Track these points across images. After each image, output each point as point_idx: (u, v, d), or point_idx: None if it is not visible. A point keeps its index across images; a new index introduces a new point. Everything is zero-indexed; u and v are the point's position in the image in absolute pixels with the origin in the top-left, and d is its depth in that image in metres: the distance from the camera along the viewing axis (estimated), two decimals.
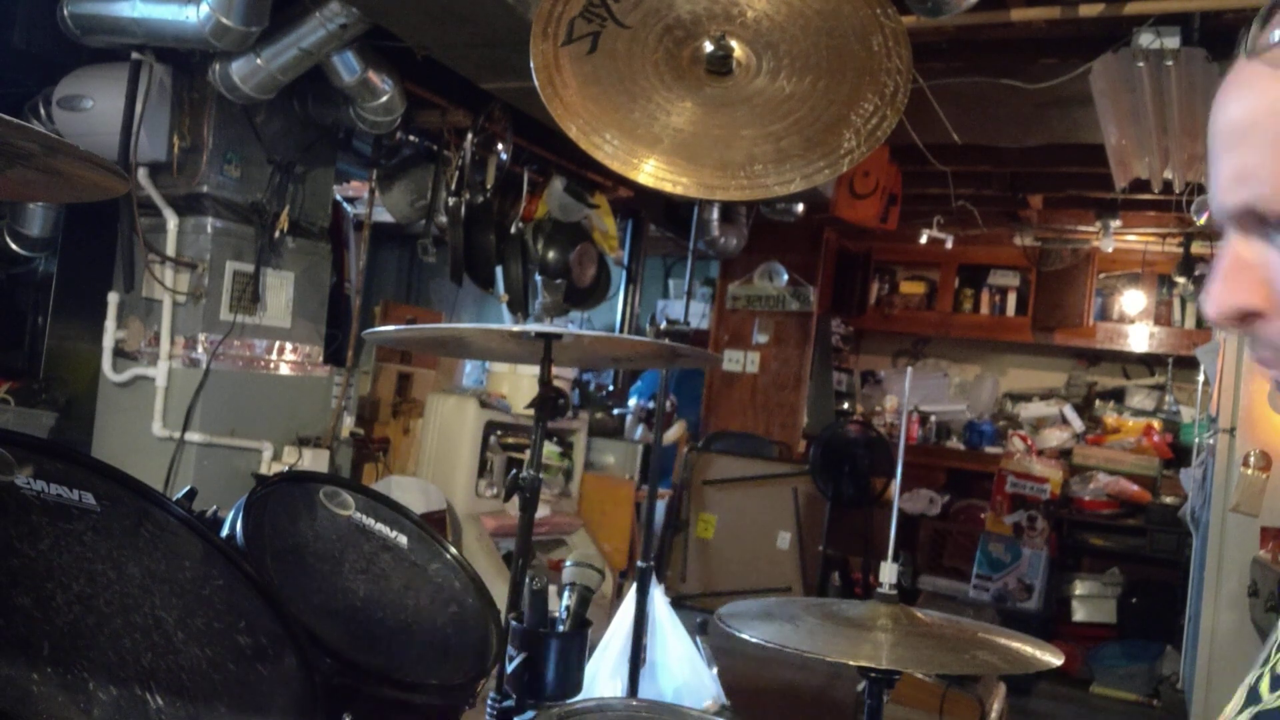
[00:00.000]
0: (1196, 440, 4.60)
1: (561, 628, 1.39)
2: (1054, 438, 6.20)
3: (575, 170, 4.66)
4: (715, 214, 5.20)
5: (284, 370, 3.71)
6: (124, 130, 3.15)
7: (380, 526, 1.54)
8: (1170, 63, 2.99)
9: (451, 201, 4.09)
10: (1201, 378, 4.79)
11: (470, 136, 3.98)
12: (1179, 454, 5.74)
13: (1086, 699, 4.89)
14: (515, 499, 1.51)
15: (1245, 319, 0.60)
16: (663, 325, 2.35)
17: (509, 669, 1.37)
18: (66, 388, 3.71)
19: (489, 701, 1.44)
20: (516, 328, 1.48)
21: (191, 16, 2.84)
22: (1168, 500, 5.50)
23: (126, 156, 3.16)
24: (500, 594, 1.55)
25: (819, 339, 6.36)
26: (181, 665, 1.02)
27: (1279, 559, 3.17)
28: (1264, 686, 0.65)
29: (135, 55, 3.16)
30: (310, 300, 3.80)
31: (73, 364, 3.73)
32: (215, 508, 1.32)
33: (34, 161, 0.88)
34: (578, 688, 1.40)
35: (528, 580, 1.38)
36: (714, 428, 6.18)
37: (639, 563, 2.39)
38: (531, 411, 1.56)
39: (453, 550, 1.60)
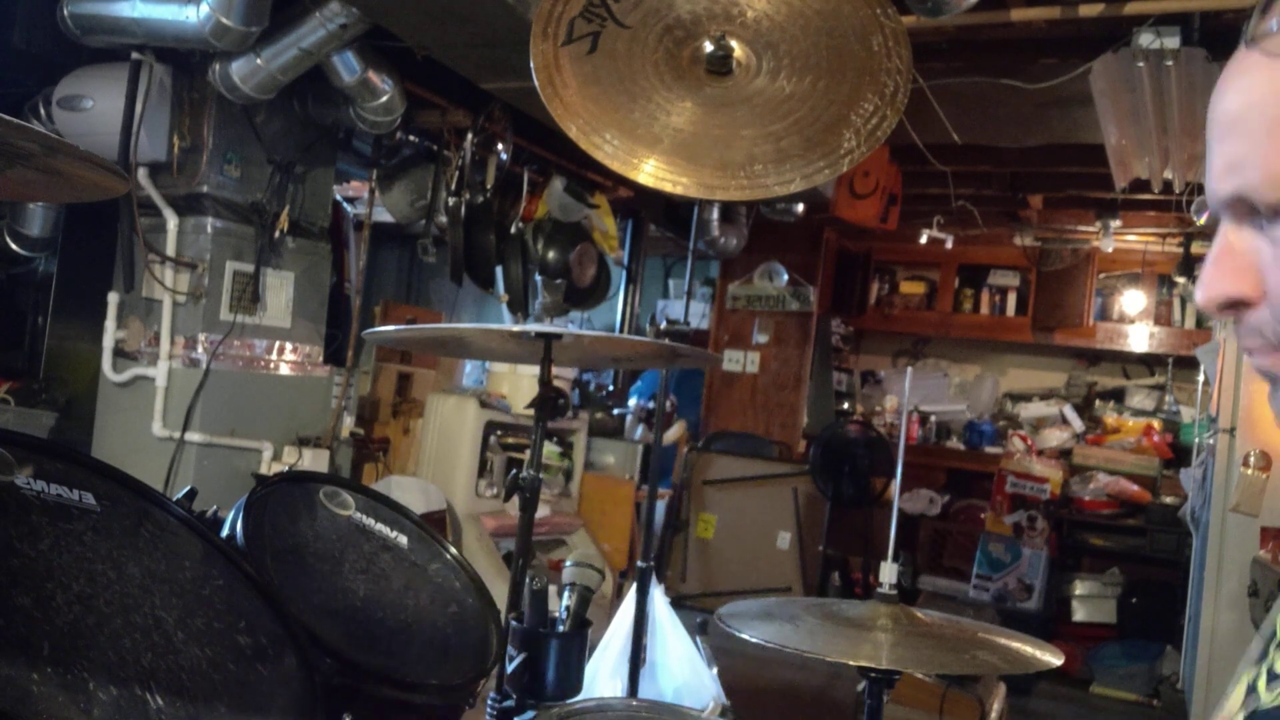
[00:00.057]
0: (1196, 440, 4.60)
1: (561, 628, 1.39)
2: (1054, 438, 6.20)
3: (575, 170, 4.66)
4: (715, 214, 5.20)
5: (284, 370, 3.71)
6: (124, 130, 3.15)
7: (380, 526, 1.54)
8: (1170, 63, 2.99)
9: (451, 201, 4.09)
10: (1201, 378, 4.79)
11: (470, 136, 3.98)
12: (1179, 454, 5.74)
13: (1086, 699, 4.89)
14: (515, 499, 1.51)
15: (1234, 306, 0.60)
16: (663, 325, 2.35)
17: (509, 669, 1.37)
18: (66, 388, 3.71)
19: (489, 701, 1.44)
20: (516, 328, 1.48)
21: (191, 16, 2.84)
22: (1168, 500, 5.50)
23: (126, 156, 3.16)
24: (500, 594, 1.55)
25: (819, 339, 6.36)
26: (181, 665, 1.02)
27: (1279, 559, 3.17)
28: (1261, 684, 0.65)
29: (135, 55, 3.16)
30: (310, 300, 3.80)
31: (73, 364, 3.73)
32: (215, 508, 1.32)
33: (34, 161, 0.88)
34: (578, 688, 1.40)
35: (528, 580, 1.38)
36: (714, 428, 6.18)
37: (639, 563, 2.39)
38: (531, 411, 1.56)
39: (453, 550, 1.60)
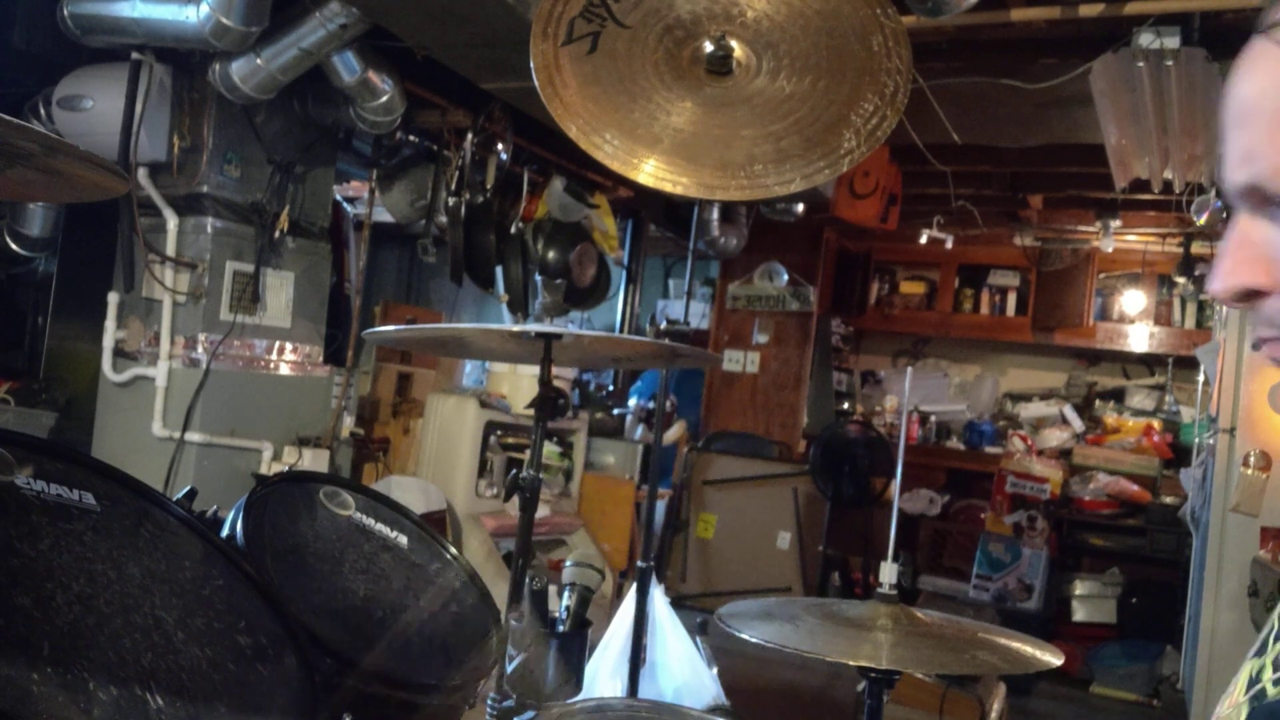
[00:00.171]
0: (1196, 440, 4.60)
1: (561, 628, 1.39)
2: (1054, 438, 6.20)
3: (575, 170, 4.66)
4: (715, 214, 5.20)
5: (284, 370, 3.71)
6: (124, 130, 3.15)
7: (380, 526, 1.54)
8: (1170, 63, 2.99)
9: (451, 201, 4.09)
10: (1201, 378, 4.79)
11: (470, 136, 3.98)
12: (1179, 454, 5.74)
13: (1086, 699, 4.89)
14: (515, 499, 1.51)
15: (1248, 296, 0.60)
16: (663, 325, 2.35)
17: (509, 669, 1.37)
18: (66, 388, 3.71)
19: (489, 701, 1.44)
20: (516, 328, 1.48)
21: (191, 16, 2.84)
22: (1168, 500, 5.50)
23: (126, 156, 3.16)
24: (500, 594, 1.55)
25: (819, 339, 6.36)
26: (181, 665, 1.02)
27: (1279, 559, 3.17)
28: (1266, 677, 0.65)
29: (135, 55, 3.16)
30: (310, 300, 3.80)
31: (73, 364, 3.73)
32: (215, 508, 1.32)
33: (34, 161, 0.88)
34: (578, 688, 1.40)
35: (528, 580, 1.38)
36: (714, 428, 6.18)
37: (639, 563, 2.38)
38: (531, 411, 1.55)
39: (453, 550, 1.60)
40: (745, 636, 1.34)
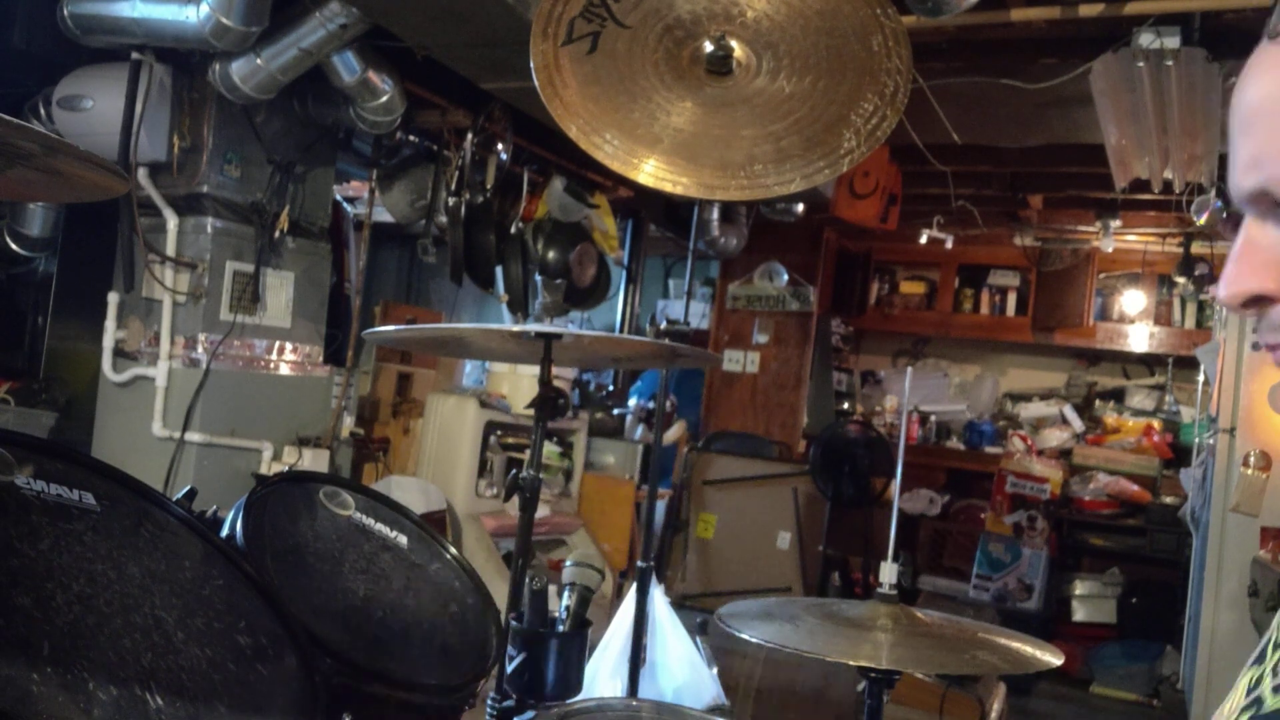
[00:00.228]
0: (1196, 440, 4.60)
1: (561, 628, 1.39)
2: (1054, 438, 6.20)
3: (575, 170, 4.66)
4: (715, 214, 5.20)
5: (284, 370, 3.71)
6: (124, 130, 3.15)
7: (380, 526, 1.54)
8: (1170, 63, 2.99)
9: (451, 201, 4.09)
10: (1201, 378, 4.79)
11: (470, 136, 3.98)
12: (1179, 454, 5.75)
13: (1086, 699, 4.89)
14: (515, 499, 1.51)
15: (1256, 302, 0.60)
16: (663, 325, 2.35)
17: (509, 669, 1.37)
18: (66, 388, 3.71)
19: (489, 701, 1.44)
20: (516, 328, 1.48)
21: (191, 16, 2.84)
22: (1168, 500, 5.50)
23: (126, 156, 3.16)
24: (500, 594, 1.55)
25: (819, 339, 6.36)
26: (181, 665, 1.02)
27: (1279, 559, 3.17)
28: (1265, 686, 0.65)
29: (135, 55, 3.16)
30: (310, 300, 3.80)
31: (73, 364, 3.73)
32: (215, 508, 1.32)
33: (34, 161, 0.88)
34: (578, 688, 1.40)
35: (528, 580, 1.38)
36: (714, 428, 6.18)
37: (639, 563, 2.39)
38: (531, 411, 1.56)
39: (453, 550, 1.60)
40: (745, 636, 1.34)
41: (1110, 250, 5.78)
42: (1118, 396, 6.48)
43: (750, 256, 6.04)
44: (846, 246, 6.69)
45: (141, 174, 3.31)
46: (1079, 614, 5.55)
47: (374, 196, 4.20)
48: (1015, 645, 1.40)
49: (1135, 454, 5.84)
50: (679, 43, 1.81)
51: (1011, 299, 6.58)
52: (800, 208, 5.11)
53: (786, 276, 6.19)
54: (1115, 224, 5.50)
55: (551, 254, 4.65)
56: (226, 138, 3.44)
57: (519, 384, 4.62)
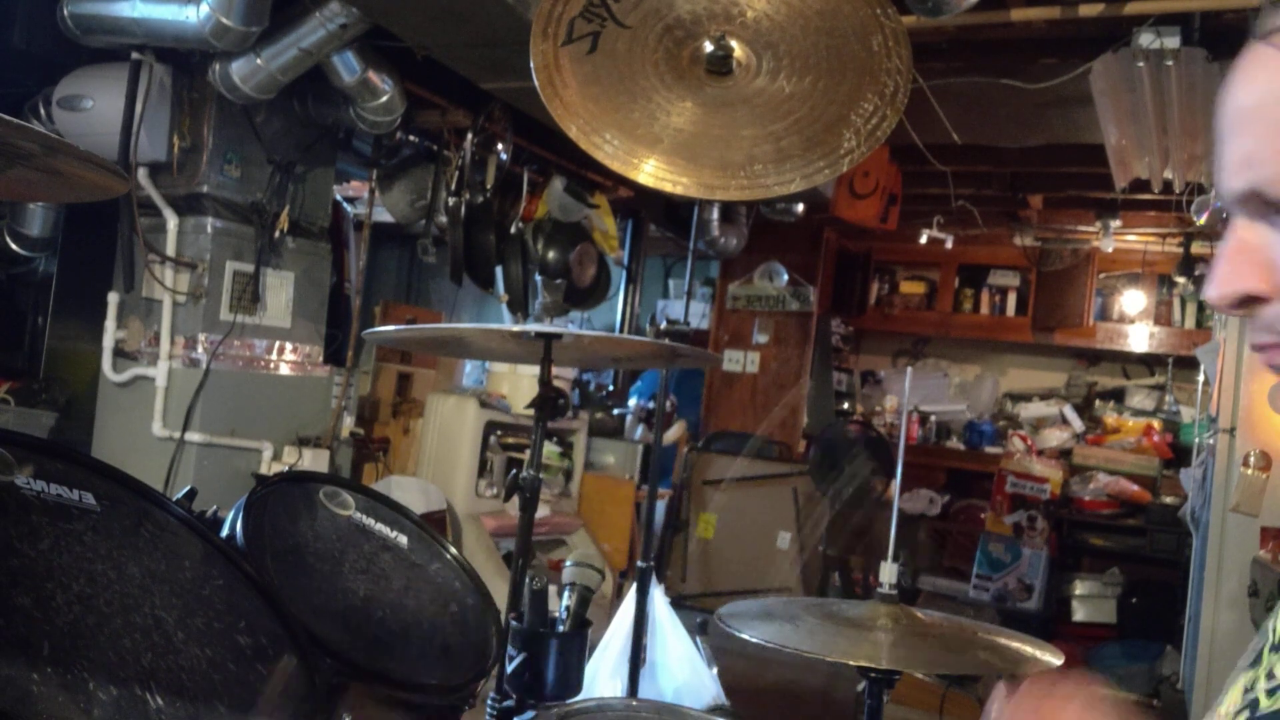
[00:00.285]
0: (1196, 440, 4.59)
1: (561, 628, 1.39)
2: (1054, 438, 6.20)
3: (575, 170, 4.66)
4: (715, 214, 5.20)
5: (284, 370, 3.71)
6: (124, 130, 3.15)
7: (380, 526, 1.54)
8: (1170, 63, 2.99)
9: (451, 201, 4.09)
10: (1201, 378, 4.78)
11: (470, 136, 3.98)
12: (1179, 454, 5.74)
13: None
14: (515, 499, 1.51)
15: (1246, 302, 0.60)
16: (663, 325, 2.35)
17: (509, 669, 1.37)
18: (66, 388, 3.71)
19: (489, 701, 1.44)
20: (516, 328, 1.48)
21: (191, 16, 2.84)
22: (1168, 500, 5.50)
23: (126, 156, 3.16)
24: (500, 594, 1.55)
25: (819, 339, 6.35)
26: (181, 665, 1.02)
27: (1279, 559, 3.17)
28: (1260, 688, 0.65)
29: (135, 55, 3.16)
30: (310, 300, 3.80)
31: (73, 364, 3.73)
32: (215, 508, 1.32)
33: (34, 161, 0.88)
34: (578, 688, 1.40)
35: (528, 580, 1.38)
36: (714, 428, 6.18)
37: (639, 563, 2.38)
38: (531, 411, 1.55)
39: (453, 550, 1.60)
40: (745, 636, 1.34)
41: (1110, 250, 5.78)
42: (1118, 396, 6.48)
43: (750, 256, 6.04)
44: (846, 246, 6.69)
45: (141, 174, 3.31)
46: (1079, 614, 5.55)
47: (374, 196, 4.20)
48: (1015, 645, 1.40)
49: (1135, 454, 5.84)
50: (679, 43, 1.81)
51: (1011, 299, 6.58)
52: (800, 208, 5.11)
53: (786, 276, 6.19)
54: (1115, 224, 5.50)
55: (551, 254, 4.65)
56: (226, 138, 3.44)
57: (519, 384, 4.62)
